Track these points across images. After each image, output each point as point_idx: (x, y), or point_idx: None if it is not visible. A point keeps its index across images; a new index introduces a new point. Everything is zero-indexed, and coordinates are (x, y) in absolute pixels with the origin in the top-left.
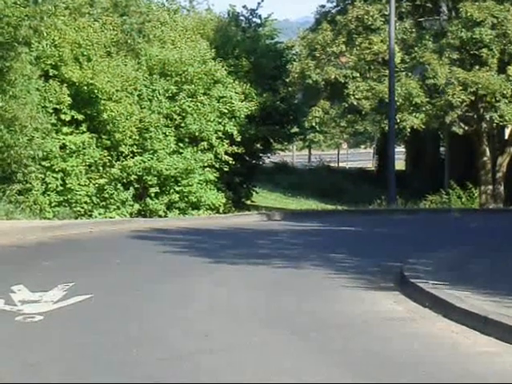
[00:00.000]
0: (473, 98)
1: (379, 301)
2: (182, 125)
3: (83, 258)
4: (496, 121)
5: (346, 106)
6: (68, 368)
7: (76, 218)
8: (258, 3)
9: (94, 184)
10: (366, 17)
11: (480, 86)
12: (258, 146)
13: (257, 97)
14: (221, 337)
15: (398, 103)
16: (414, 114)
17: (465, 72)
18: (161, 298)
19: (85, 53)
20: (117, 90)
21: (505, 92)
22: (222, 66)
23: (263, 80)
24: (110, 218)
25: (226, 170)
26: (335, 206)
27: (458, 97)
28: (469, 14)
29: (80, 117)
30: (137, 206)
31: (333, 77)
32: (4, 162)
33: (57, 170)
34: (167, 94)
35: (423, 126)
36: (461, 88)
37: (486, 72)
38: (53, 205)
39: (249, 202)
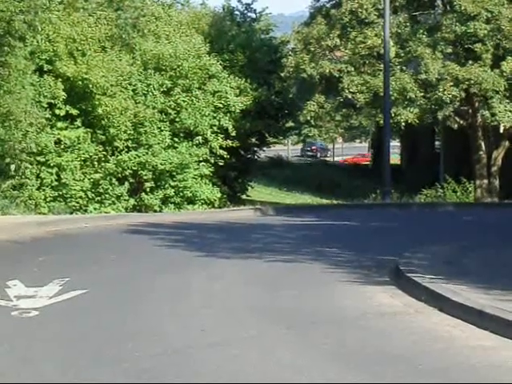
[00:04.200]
0: (464, 95)
1: (375, 295)
2: (177, 119)
3: (78, 253)
4: (488, 120)
5: (341, 100)
6: (64, 363)
7: (71, 213)
8: None
9: (89, 179)
10: (360, 10)
11: (472, 82)
12: (253, 140)
13: (252, 91)
14: (217, 331)
15: (392, 97)
16: (408, 109)
17: (458, 68)
18: (156, 293)
19: (79, 48)
20: (111, 85)
21: (497, 89)
22: (217, 61)
23: (258, 74)
24: (105, 212)
25: (221, 164)
26: (330, 200)
27: (449, 93)
28: (463, 7)
29: (75, 112)
30: (132, 201)
31: (327, 71)
32: None
33: (52, 165)
34: (162, 89)
35: (417, 121)
36: (452, 84)
37: (480, 67)
38: (48, 200)
39: (244, 197)
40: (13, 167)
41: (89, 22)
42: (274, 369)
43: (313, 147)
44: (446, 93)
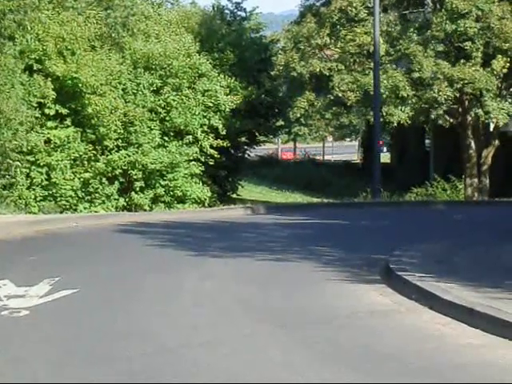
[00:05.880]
0: (458, 95)
1: (366, 293)
2: (167, 118)
3: (69, 253)
4: (482, 118)
5: (331, 98)
6: (54, 362)
7: (61, 213)
8: None
9: (78, 178)
10: (350, 8)
11: (466, 81)
12: (243, 139)
13: (242, 90)
14: (209, 331)
15: (384, 96)
16: (399, 108)
17: (450, 67)
18: (148, 292)
19: (69, 47)
20: (101, 84)
21: (489, 88)
22: (207, 60)
23: (248, 73)
24: (95, 212)
25: (211, 163)
26: (320, 198)
27: (444, 93)
28: (454, 5)
29: (64, 111)
30: (122, 201)
31: (317, 69)
32: None
33: (42, 164)
34: (152, 88)
35: (409, 122)
36: (446, 84)
37: (471, 66)
38: (38, 199)
39: (234, 196)
40: (4, 166)
41: (78, 21)
42: (267, 368)
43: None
44: (441, 93)
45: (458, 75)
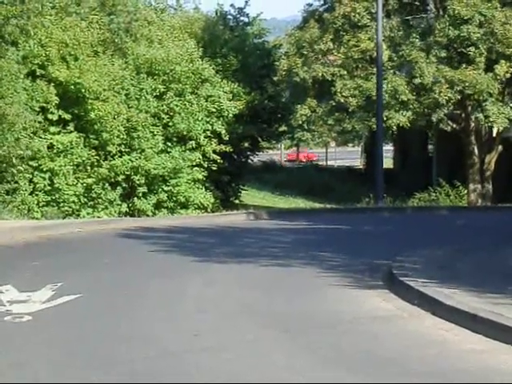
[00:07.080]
0: (459, 97)
1: (368, 299)
2: (170, 124)
3: (72, 258)
4: (482, 122)
5: (334, 104)
6: (57, 367)
7: (64, 218)
8: (246, 2)
9: (81, 184)
10: (353, 14)
11: (467, 84)
12: (246, 144)
13: (245, 95)
14: (213, 336)
15: (384, 100)
16: (400, 112)
17: (452, 70)
18: (151, 298)
19: (72, 52)
20: (104, 90)
21: (491, 91)
22: (210, 65)
23: (251, 79)
24: (98, 217)
25: (214, 169)
26: (323, 204)
27: (444, 95)
28: (456, 11)
29: (67, 116)
30: (124, 206)
31: (320, 75)
32: None
33: (44, 169)
34: (155, 93)
35: (409, 124)
36: (447, 86)
37: (473, 70)
38: (41, 205)
39: (237, 201)
40: (8, 174)
41: (81, 26)
42: (270, 372)
43: None
44: (441, 95)
45: (459, 77)
